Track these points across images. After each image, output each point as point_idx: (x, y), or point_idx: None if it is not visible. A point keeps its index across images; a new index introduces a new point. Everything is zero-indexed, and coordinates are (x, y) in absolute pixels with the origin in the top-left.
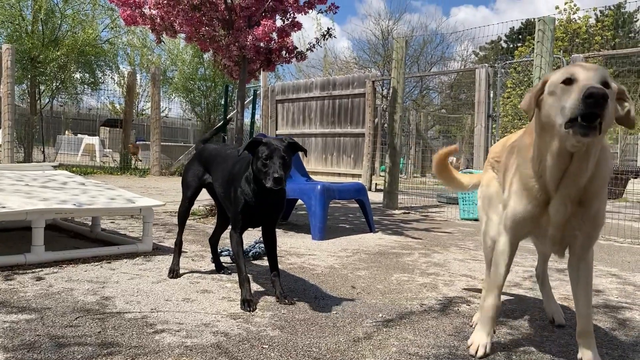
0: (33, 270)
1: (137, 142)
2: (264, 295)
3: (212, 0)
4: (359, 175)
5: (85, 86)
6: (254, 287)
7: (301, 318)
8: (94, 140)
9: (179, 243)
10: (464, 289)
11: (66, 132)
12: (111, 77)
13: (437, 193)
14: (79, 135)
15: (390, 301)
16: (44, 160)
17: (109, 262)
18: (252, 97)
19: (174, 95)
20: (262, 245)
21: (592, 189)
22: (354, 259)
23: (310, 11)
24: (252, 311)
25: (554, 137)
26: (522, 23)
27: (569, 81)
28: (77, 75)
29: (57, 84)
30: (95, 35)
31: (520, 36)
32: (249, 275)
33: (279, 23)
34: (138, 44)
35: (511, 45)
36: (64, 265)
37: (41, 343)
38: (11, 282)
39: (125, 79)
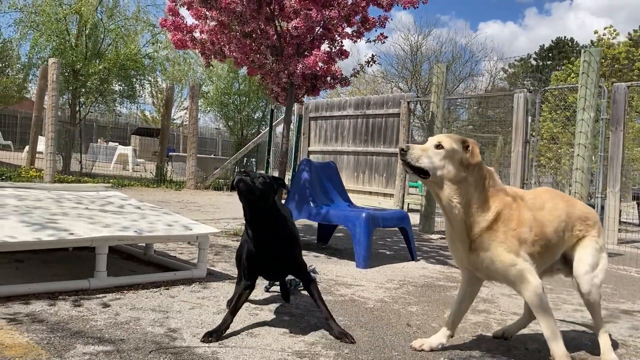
0: (97, 295)
1: (168, 153)
2: (324, 331)
3: (263, 28)
4: (391, 195)
5: (125, 99)
6: (313, 320)
7: (365, 359)
8: (127, 150)
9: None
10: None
11: (98, 140)
12: (149, 91)
13: None
14: (111, 144)
15: (448, 342)
16: (81, 169)
17: (167, 289)
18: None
19: (208, 109)
20: (313, 273)
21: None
22: (402, 291)
23: (358, 40)
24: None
25: None
26: (552, 41)
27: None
28: (116, 88)
29: (97, 96)
30: (137, 50)
31: (550, 54)
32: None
33: (324, 48)
34: (177, 59)
35: (541, 63)
36: (124, 291)
37: None
38: (80, 308)
39: (164, 92)
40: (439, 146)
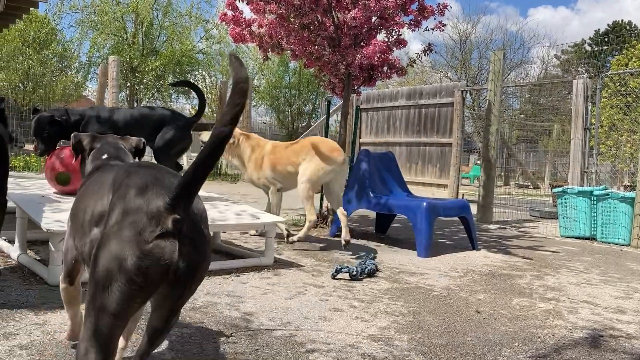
0: None
1: None
2: (395, 316)
3: (320, 19)
4: (445, 186)
5: (180, 94)
6: (382, 307)
7: (439, 343)
8: None
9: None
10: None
11: None
12: (203, 86)
13: (529, 207)
14: None
15: (519, 329)
16: None
17: (238, 276)
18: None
19: (260, 102)
20: (371, 260)
21: None
22: (466, 279)
23: (416, 29)
24: None
25: None
26: (608, 25)
27: None
28: None
29: (154, 92)
30: (192, 47)
31: (606, 38)
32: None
33: (380, 37)
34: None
35: (596, 49)
36: None
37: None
38: None
39: (218, 87)
40: None
